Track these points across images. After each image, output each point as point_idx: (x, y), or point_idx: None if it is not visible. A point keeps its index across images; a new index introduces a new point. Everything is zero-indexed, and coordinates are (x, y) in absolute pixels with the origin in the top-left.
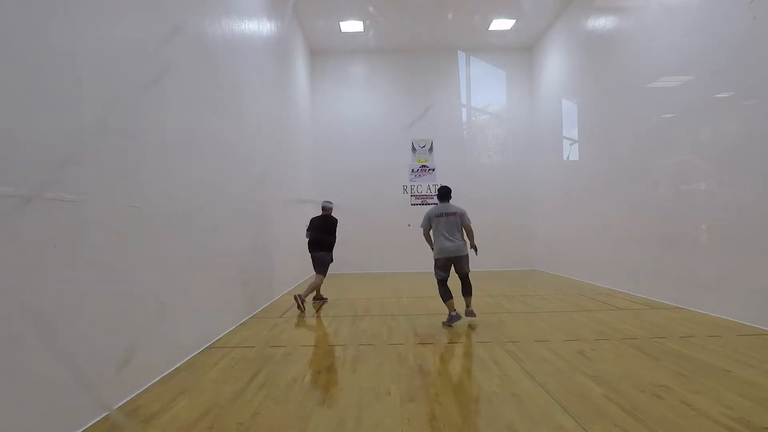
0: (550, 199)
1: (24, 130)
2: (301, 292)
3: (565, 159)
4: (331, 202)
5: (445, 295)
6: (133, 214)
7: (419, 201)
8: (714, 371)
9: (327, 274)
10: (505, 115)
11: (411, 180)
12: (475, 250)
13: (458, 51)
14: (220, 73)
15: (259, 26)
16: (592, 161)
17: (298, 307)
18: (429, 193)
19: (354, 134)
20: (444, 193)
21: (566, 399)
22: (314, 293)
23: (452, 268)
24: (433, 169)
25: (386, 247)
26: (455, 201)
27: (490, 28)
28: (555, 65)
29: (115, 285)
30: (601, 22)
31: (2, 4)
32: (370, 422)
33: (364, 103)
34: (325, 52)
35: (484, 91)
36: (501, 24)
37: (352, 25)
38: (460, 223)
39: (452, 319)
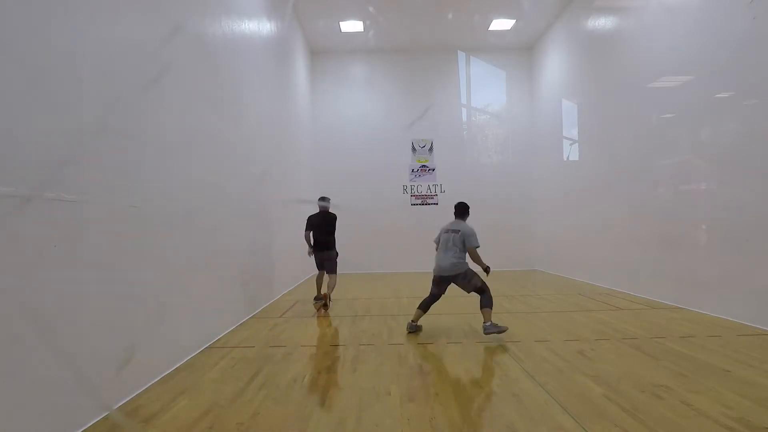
0: (550, 199)
1: (24, 130)
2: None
3: (565, 159)
4: (327, 199)
5: (421, 304)
6: (133, 214)
7: (419, 201)
8: (714, 371)
9: (327, 273)
10: (505, 115)
11: (411, 180)
12: (487, 271)
13: (458, 51)
14: (220, 73)
15: (259, 26)
16: (592, 161)
17: (325, 305)
18: (429, 193)
19: (354, 134)
20: (457, 210)
21: (566, 399)
22: (317, 292)
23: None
24: (433, 169)
25: (386, 247)
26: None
27: (490, 28)
28: (555, 65)
29: (115, 285)
30: (601, 22)
31: (2, 4)
32: (370, 422)
33: (364, 103)
34: (325, 52)
35: (484, 91)
36: (501, 24)
37: (352, 25)
38: (461, 243)
39: (410, 325)
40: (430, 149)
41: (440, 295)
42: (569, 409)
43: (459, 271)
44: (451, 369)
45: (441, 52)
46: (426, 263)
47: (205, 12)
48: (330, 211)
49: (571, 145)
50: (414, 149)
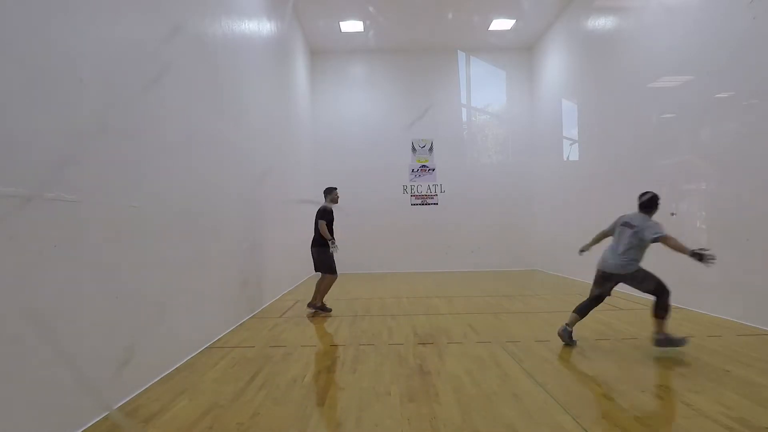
0: (550, 199)
1: (24, 130)
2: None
3: (565, 159)
4: (327, 191)
5: (579, 307)
6: (133, 214)
7: (419, 201)
8: (714, 371)
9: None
10: (505, 115)
11: (411, 180)
12: (699, 258)
13: (458, 51)
14: (220, 73)
15: (259, 26)
16: (592, 161)
17: (322, 308)
18: (429, 193)
19: (354, 134)
20: (642, 202)
21: (566, 399)
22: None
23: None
24: (433, 169)
25: (386, 247)
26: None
27: (490, 28)
28: (555, 65)
29: (115, 285)
30: (601, 22)
31: (2, 4)
32: (370, 422)
33: (364, 103)
34: (325, 52)
35: (484, 91)
36: (501, 24)
37: (352, 25)
38: (637, 240)
39: (563, 331)
40: (430, 149)
41: (603, 297)
42: (569, 409)
43: (626, 272)
44: (451, 369)
45: (441, 52)
46: (426, 263)
47: (205, 12)
48: (325, 204)
49: (571, 145)
50: (414, 149)
